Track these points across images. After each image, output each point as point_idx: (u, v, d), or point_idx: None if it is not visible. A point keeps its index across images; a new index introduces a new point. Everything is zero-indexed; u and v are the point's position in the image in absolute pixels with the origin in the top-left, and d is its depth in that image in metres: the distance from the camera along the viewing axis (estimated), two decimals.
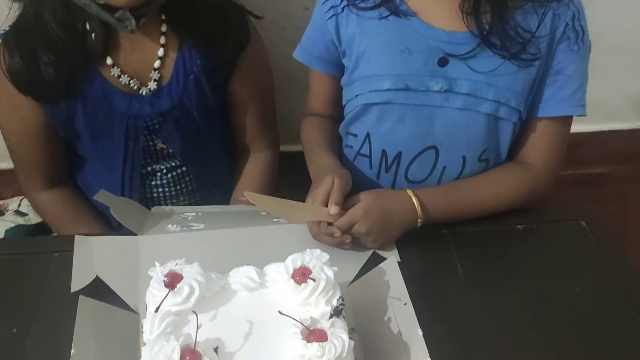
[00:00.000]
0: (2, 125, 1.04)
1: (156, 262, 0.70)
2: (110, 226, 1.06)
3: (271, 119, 1.16)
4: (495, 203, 0.91)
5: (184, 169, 1.08)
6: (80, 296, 0.72)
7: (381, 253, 0.85)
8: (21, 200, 1.57)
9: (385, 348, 0.72)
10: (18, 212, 1.51)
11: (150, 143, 1.03)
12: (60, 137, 1.03)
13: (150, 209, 0.94)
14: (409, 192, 0.87)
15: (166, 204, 1.09)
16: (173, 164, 1.08)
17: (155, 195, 1.09)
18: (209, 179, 1.11)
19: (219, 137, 1.11)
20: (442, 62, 0.89)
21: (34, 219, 1.49)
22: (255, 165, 1.14)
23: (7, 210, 1.55)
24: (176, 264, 0.69)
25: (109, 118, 0.98)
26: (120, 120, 0.99)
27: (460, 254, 0.87)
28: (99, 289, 0.77)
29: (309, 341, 0.62)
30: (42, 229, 1.34)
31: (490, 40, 0.86)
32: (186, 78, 1.00)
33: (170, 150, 1.05)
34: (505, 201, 0.92)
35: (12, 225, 1.43)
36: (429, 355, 0.68)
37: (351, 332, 0.75)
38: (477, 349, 0.75)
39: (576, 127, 1.72)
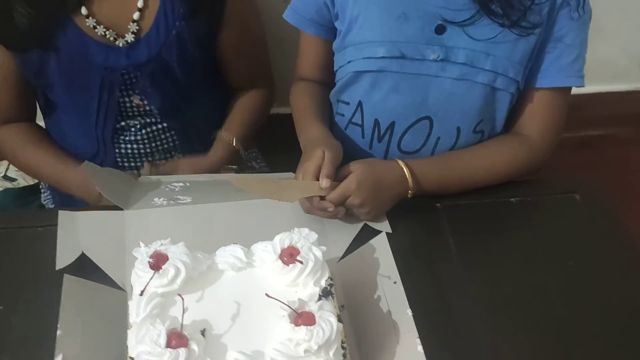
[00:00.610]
0: None
1: (141, 243, 0.68)
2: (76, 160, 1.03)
3: (265, 66, 1.14)
4: (489, 175, 0.90)
5: (162, 125, 1.05)
6: (65, 275, 0.71)
7: (373, 225, 0.84)
8: (9, 165, 1.55)
9: (374, 326, 0.72)
10: (6, 177, 1.50)
11: (127, 99, 1.00)
12: (29, 85, 1.01)
13: (126, 170, 0.93)
14: (400, 162, 0.85)
15: (141, 162, 1.07)
16: (149, 120, 1.04)
17: (130, 151, 1.06)
18: (192, 135, 1.08)
19: (204, 93, 1.07)
20: (440, 30, 0.86)
21: (22, 183, 1.47)
22: (249, 99, 1.12)
23: None
24: (161, 244, 0.68)
25: (84, 70, 0.96)
26: (96, 72, 0.96)
27: (453, 227, 0.86)
28: (84, 266, 0.75)
29: (297, 325, 0.62)
30: (30, 190, 1.33)
31: (490, 7, 0.83)
32: (168, 32, 0.96)
33: (147, 108, 1.02)
34: (499, 173, 0.90)
35: (1, 189, 1.43)
36: (418, 335, 0.68)
37: (341, 309, 0.75)
38: (467, 325, 0.74)
39: (576, 89, 1.71)
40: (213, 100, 1.11)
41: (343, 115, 0.98)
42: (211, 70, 1.07)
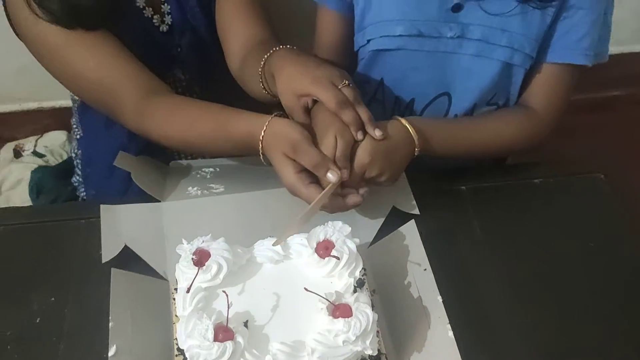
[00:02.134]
0: (73, 65, 0.90)
1: (183, 240, 0.72)
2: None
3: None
4: (495, 143, 0.92)
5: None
6: (113, 269, 0.74)
7: (401, 207, 0.85)
8: (37, 140, 1.59)
9: (405, 312, 0.75)
10: (35, 153, 1.54)
11: (170, 73, 1.02)
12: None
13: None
14: (403, 120, 0.83)
15: None
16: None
17: None
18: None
19: None
20: (456, 8, 0.87)
21: (52, 160, 1.52)
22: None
23: (24, 151, 1.58)
24: (203, 241, 0.71)
25: (142, 52, 0.95)
26: (150, 55, 0.95)
27: (477, 208, 0.88)
28: (128, 258, 0.79)
29: (335, 317, 0.65)
30: (64, 170, 1.37)
31: None
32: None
33: (186, 83, 1.03)
34: (505, 142, 0.92)
35: (35, 166, 1.47)
36: (448, 321, 0.71)
37: (372, 294, 0.79)
38: (494, 309, 0.78)
39: None
40: None
41: (366, 94, 0.99)
42: None
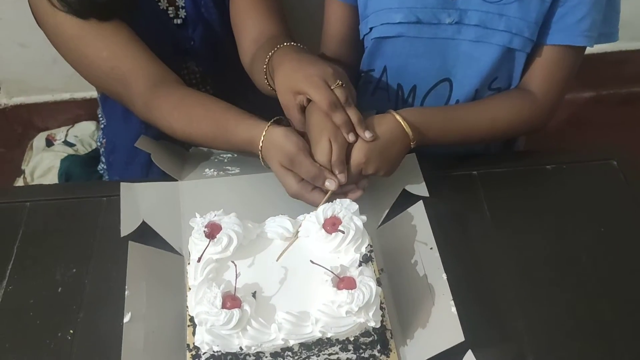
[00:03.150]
0: (87, 55, 0.93)
1: (196, 214, 0.75)
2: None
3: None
4: (492, 128, 0.92)
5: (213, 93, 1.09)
6: (130, 242, 0.78)
7: (411, 190, 0.87)
8: (68, 130, 1.65)
9: (411, 289, 0.77)
10: (66, 143, 1.60)
11: (184, 65, 1.05)
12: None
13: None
14: (396, 115, 0.84)
15: None
16: (203, 89, 1.09)
17: None
18: (241, 103, 1.04)
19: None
20: None
21: (81, 149, 1.57)
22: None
23: (55, 140, 1.64)
24: (215, 215, 0.74)
25: (156, 44, 0.98)
26: (163, 47, 0.99)
27: (488, 194, 0.89)
28: (145, 233, 0.83)
29: (339, 288, 0.67)
30: (92, 159, 1.43)
31: None
32: None
33: (199, 76, 1.06)
34: (502, 126, 0.92)
35: (65, 155, 1.53)
36: (452, 298, 0.73)
37: (380, 272, 0.81)
38: (499, 289, 0.79)
39: (619, 45, 1.67)
40: None
41: (371, 82, 1.01)
42: None
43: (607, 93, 1.82)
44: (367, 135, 0.80)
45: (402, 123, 0.83)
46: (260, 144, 0.80)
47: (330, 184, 0.79)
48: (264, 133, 0.80)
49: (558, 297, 0.78)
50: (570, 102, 1.80)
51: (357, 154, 0.81)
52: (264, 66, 0.88)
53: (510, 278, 0.80)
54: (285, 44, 0.87)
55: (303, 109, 0.82)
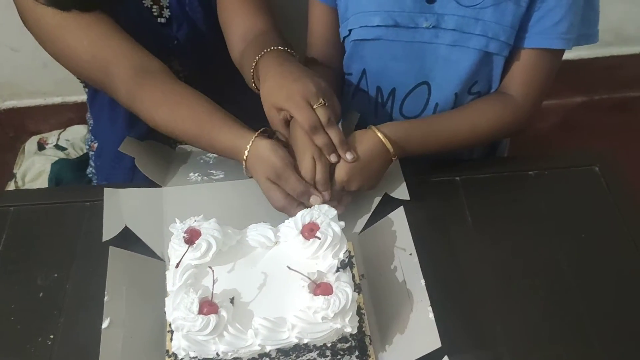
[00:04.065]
0: (69, 45, 0.93)
1: (176, 219, 0.75)
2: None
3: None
4: (473, 134, 0.93)
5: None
6: (110, 247, 0.78)
7: (392, 194, 0.87)
8: (60, 134, 1.66)
9: (390, 295, 0.77)
10: (58, 147, 1.60)
11: (169, 64, 1.04)
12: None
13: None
14: (377, 131, 0.85)
15: None
16: None
17: None
18: (226, 104, 1.02)
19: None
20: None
21: (73, 153, 1.58)
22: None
23: (47, 144, 1.65)
24: (195, 221, 0.74)
25: (139, 41, 0.97)
26: (146, 44, 0.97)
27: (470, 200, 0.90)
28: (128, 238, 0.83)
29: (315, 294, 0.68)
30: (83, 163, 1.43)
31: None
32: None
33: (183, 75, 1.06)
34: (483, 132, 0.93)
35: (56, 159, 1.53)
36: (430, 304, 0.73)
37: (361, 278, 0.81)
38: (479, 295, 0.79)
39: (610, 50, 1.67)
40: None
41: (351, 84, 1.02)
42: None
43: (599, 98, 1.82)
44: (349, 157, 0.82)
45: (383, 139, 0.85)
46: (246, 155, 0.81)
47: (315, 200, 0.81)
48: (249, 145, 0.81)
49: (536, 304, 0.78)
50: (561, 106, 1.80)
51: (340, 173, 0.83)
52: (251, 70, 0.89)
53: (489, 284, 0.80)
54: (272, 48, 0.87)
55: (287, 123, 0.83)
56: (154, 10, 1.02)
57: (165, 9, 1.03)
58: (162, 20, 1.03)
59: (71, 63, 0.95)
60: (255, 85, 0.90)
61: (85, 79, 1.03)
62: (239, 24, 0.98)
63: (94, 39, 0.91)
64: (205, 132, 0.85)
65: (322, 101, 0.80)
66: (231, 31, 0.99)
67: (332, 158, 0.82)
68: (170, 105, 0.88)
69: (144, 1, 1.01)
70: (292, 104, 0.79)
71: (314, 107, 0.79)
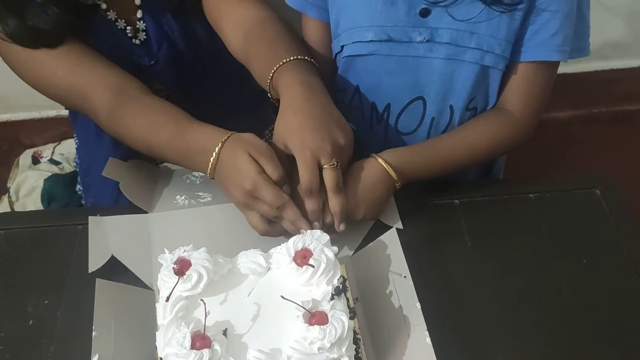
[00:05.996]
0: (43, 75, 0.92)
1: (165, 249, 0.73)
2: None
3: None
4: (473, 154, 0.92)
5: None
6: (97, 280, 0.75)
7: (385, 221, 0.86)
8: (54, 148, 1.64)
9: (386, 320, 0.76)
10: (52, 161, 1.59)
11: (149, 85, 1.03)
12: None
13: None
14: (379, 159, 0.85)
15: None
16: None
17: None
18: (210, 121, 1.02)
19: (216, 74, 1.06)
20: (424, 13, 0.88)
21: (67, 167, 1.56)
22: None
23: (42, 158, 1.63)
24: (184, 251, 0.72)
25: (116, 62, 0.96)
26: (123, 66, 0.96)
27: (470, 223, 0.88)
28: (115, 268, 0.81)
29: (310, 324, 0.66)
30: (75, 178, 1.41)
31: None
32: (162, 13, 0.99)
33: (163, 94, 1.03)
34: (483, 151, 0.92)
35: (49, 174, 1.51)
36: (426, 328, 0.71)
37: (355, 301, 0.79)
38: (477, 319, 0.78)
39: (610, 63, 1.67)
40: (226, 84, 1.10)
41: (344, 102, 1.00)
42: (219, 51, 1.04)
43: (598, 111, 1.81)
44: (342, 228, 0.81)
45: (386, 167, 0.84)
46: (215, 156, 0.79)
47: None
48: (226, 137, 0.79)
49: (536, 329, 0.77)
50: (560, 120, 1.79)
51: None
52: (268, 81, 0.85)
53: (488, 308, 0.79)
54: (292, 58, 0.84)
55: (290, 158, 0.80)
56: (127, 31, 0.99)
57: (141, 32, 1.00)
58: (137, 42, 1.00)
59: (49, 93, 0.94)
60: (270, 94, 0.87)
61: (67, 106, 1.02)
62: (229, 13, 0.95)
63: (68, 68, 0.90)
64: (182, 131, 0.83)
65: (335, 162, 0.77)
66: (223, 23, 0.96)
67: (315, 225, 0.79)
68: (147, 115, 0.87)
69: (117, 23, 0.98)
70: (301, 155, 0.76)
71: (324, 167, 0.77)
